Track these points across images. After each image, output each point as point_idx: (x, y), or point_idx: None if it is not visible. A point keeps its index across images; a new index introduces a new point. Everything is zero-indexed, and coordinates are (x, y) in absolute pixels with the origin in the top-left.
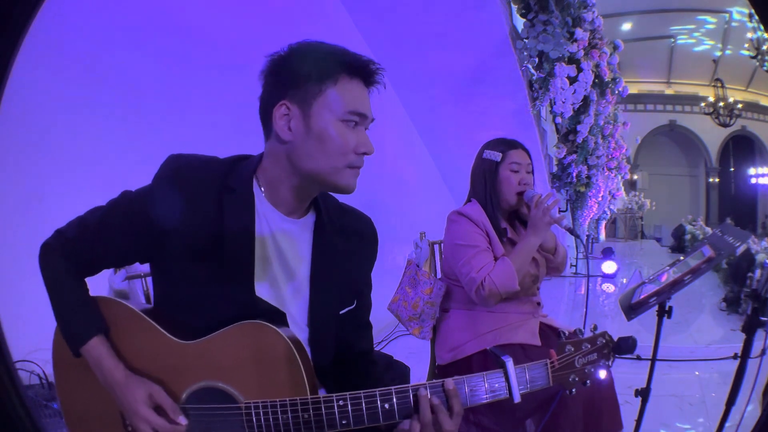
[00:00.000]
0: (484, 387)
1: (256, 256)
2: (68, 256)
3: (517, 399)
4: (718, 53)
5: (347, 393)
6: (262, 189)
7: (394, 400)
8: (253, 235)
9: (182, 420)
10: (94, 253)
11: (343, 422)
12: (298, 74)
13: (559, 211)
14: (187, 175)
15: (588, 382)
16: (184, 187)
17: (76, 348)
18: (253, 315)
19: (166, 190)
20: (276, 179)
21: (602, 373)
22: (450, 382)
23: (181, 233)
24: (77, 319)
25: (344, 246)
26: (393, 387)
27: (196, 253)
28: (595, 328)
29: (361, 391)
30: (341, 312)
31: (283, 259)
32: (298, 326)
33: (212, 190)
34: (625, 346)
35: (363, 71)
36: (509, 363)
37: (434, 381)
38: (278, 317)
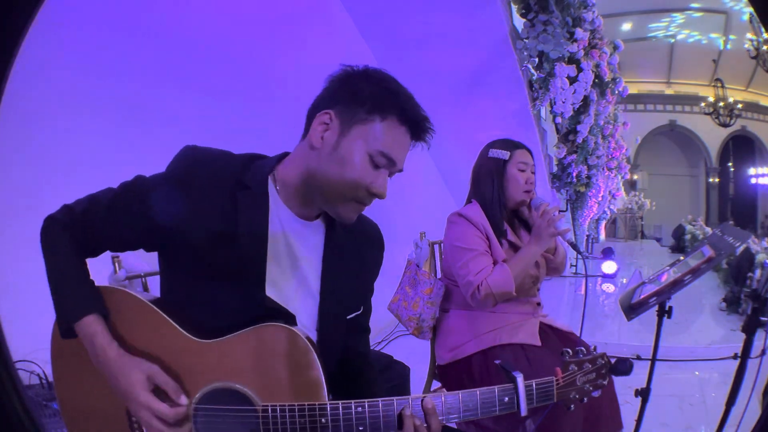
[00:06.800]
0: (496, 400)
1: (267, 256)
2: (73, 232)
3: (524, 413)
4: (719, 53)
5: (365, 399)
6: (278, 188)
7: (410, 407)
8: (266, 233)
9: (183, 400)
10: (100, 232)
11: (360, 428)
12: (355, 95)
13: (559, 211)
14: (202, 166)
15: (585, 399)
16: (198, 178)
17: (69, 323)
18: (263, 314)
19: (180, 179)
20: (291, 180)
21: (598, 392)
22: (429, 401)
23: (192, 225)
24: (75, 294)
25: (354, 252)
26: (410, 396)
27: (206, 246)
28: (595, 348)
29: (379, 399)
30: (348, 317)
31: (294, 261)
32: (306, 329)
33: (227, 185)
34: (622, 368)
35: (414, 123)
36: (520, 379)
37: (433, 393)
38: (288, 318)
